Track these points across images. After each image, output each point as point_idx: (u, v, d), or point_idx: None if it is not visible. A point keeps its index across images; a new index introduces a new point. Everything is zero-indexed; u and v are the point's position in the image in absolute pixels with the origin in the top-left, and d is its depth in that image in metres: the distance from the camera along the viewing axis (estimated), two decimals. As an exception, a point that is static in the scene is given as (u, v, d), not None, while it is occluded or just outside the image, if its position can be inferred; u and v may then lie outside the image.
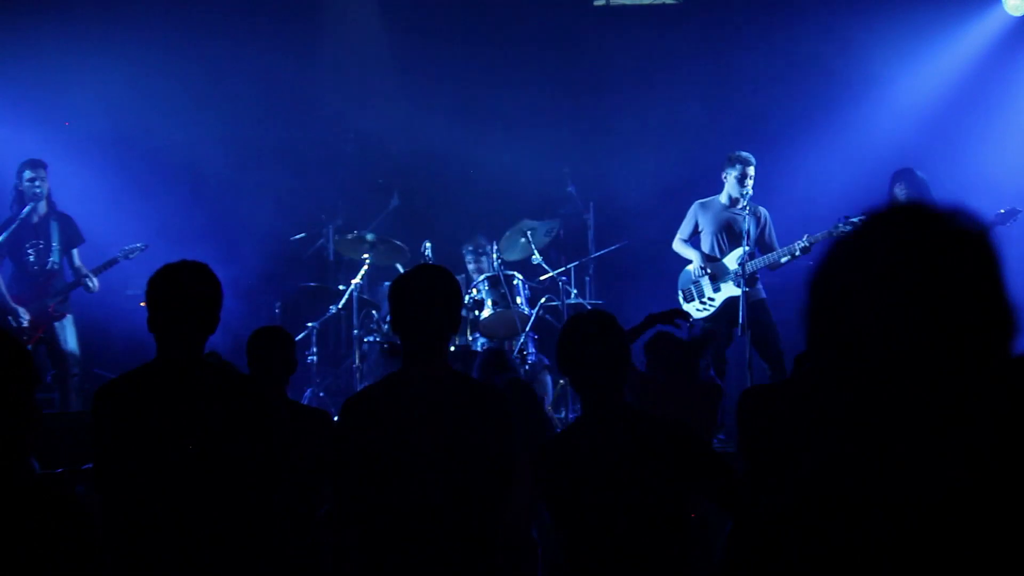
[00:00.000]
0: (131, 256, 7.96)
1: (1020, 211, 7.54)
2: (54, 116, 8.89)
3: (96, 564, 2.28)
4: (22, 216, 7.74)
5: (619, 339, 3.28)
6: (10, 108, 8.68)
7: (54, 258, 7.83)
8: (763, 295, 7.68)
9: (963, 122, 8.95)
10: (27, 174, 7.78)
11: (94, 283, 7.86)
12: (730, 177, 7.75)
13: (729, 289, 7.63)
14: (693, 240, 7.93)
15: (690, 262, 7.87)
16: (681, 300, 7.86)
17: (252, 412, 3.21)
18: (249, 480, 3.17)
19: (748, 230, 7.52)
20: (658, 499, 3.14)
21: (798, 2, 9.21)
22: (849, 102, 9.21)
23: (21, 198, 7.81)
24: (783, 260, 7.50)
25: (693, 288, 7.80)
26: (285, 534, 4.24)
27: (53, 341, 7.70)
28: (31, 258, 7.80)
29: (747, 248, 7.50)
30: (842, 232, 7.34)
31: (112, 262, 7.95)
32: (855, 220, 7.37)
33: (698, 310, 7.76)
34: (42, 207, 7.86)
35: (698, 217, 7.88)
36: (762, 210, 7.78)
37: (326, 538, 4.44)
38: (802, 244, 7.40)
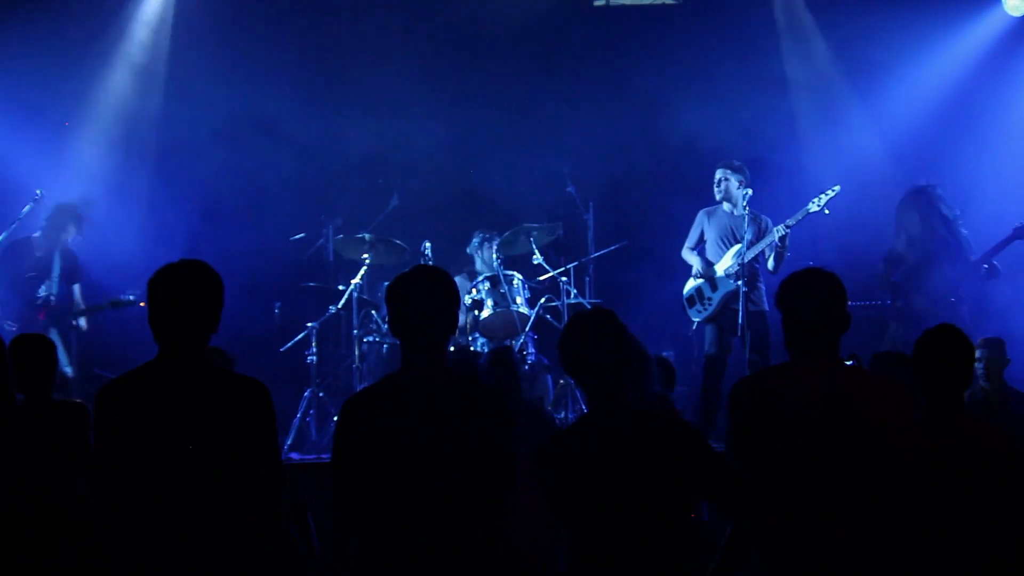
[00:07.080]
0: (118, 307, 7.87)
1: None
2: (56, 116, 8.91)
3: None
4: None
5: (619, 337, 3.28)
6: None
7: (51, 291, 7.84)
8: (766, 307, 7.66)
9: (963, 122, 8.95)
10: (70, 230, 7.90)
11: (80, 324, 7.91)
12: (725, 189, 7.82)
13: (725, 285, 7.64)
14: (699, 248, 7.96)
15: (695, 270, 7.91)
16: (686, 307, 7.89)
17: (254, 411, 3.21)
18: (250, 479, 3.17)
19: (746, 234, 7.55)
20: (659, 499, 3.14)
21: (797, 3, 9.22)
22: (849, 102, 9.21)
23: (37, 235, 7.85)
24: (767, 250, 7.53)
25: (695, 294, 7.83)
26: (279, 533, 4.25)
27: None
28: (27, 288, 7.82)
29: (743, 248, 7.52)
30: (814, 212, 7.33)
31: (99, 308, 7.93)
32: (823, 200, 7.37)
33: (699, 312, 7.78)
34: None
35: (703, 225, 7.93)
36: (764, 217, 7.84)
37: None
38: (780, 231, 7.43)
